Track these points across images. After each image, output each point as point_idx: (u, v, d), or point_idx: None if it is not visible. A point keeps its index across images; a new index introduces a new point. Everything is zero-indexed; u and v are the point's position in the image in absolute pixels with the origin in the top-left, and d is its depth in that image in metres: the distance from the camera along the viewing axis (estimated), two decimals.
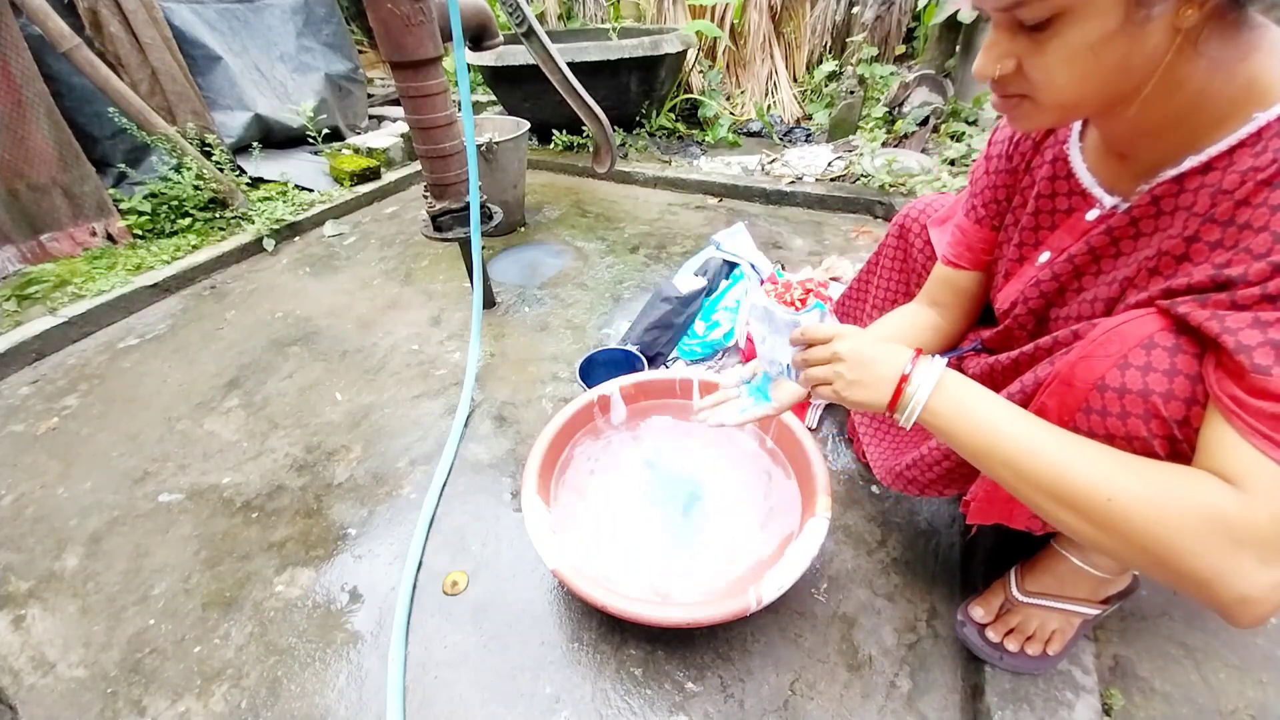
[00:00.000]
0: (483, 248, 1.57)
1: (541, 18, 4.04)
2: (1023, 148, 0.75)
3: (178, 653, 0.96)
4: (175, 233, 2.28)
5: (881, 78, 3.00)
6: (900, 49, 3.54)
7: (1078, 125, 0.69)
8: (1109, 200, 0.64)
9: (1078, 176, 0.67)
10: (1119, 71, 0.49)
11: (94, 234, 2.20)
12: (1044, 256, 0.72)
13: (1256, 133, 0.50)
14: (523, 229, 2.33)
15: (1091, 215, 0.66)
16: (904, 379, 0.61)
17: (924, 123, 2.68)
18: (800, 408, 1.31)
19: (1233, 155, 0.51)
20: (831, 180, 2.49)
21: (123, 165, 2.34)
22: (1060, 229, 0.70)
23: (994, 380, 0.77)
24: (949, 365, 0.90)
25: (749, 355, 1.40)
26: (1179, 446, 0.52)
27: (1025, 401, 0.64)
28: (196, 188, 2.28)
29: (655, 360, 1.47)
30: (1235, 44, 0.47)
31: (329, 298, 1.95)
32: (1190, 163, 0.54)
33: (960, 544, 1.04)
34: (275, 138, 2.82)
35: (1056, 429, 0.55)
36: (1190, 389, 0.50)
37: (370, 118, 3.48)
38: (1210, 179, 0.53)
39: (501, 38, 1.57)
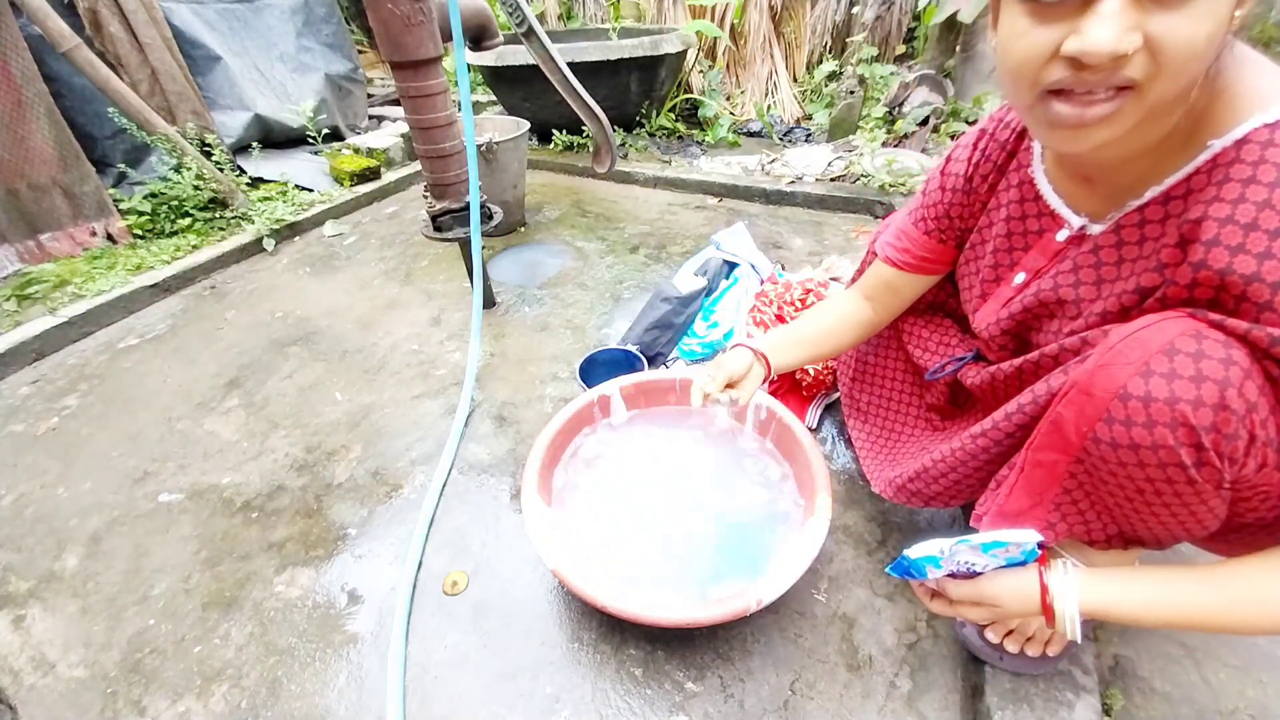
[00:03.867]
0: (483, 248, 1.57)
1: (541, 18, 4.04)
2: (983, 170, 0.76)
3: (178, 653, 0.96)
4: (175, 233, 2.28)
5: (881, 78, 3.00)
6: (900, 49, 3.54)
7: (1039, 150, 0.70)
8: (1077, 221, 0.66)
9: (1045, 199, 0.69)
10: (1215, 52, 0.45)
11: (94, 234, 2.20)
12: (1019, 277, 0.73)
13: (1212, 159, 0.52)
14: (523, 229, 2.33)
15: (1061, 236, 0.68)
16: (1044, 591, 0.62)
17: (924, 123, 2.68)
18: (800, 407, 1.31)
19: (1189, 182, 0.53)
20: (831, 180, 2.48)
21: (123, 165, 2.34)
22: (1033, 249, 0.71)
23: (995, 389, 0.78)
24: (946, 380, 0.90)
25: None
26: (1204, 455, 0.51)
27: (1038, 412, 0.64)
28: (196, 188, 2.28)
29: (655, 360, 1.47)
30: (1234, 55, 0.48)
31: (329, 298, 1.95)
32: (1152, 193, 0.57)
33: None
34: (275, 138, 2.82)
35: (1204, 577, 0.57)
36: (1219, 395, 0.49)
37: (370, 118, 3.48)
38: (1172, 208, 0.55)
39: (501, 38, 1.57)
